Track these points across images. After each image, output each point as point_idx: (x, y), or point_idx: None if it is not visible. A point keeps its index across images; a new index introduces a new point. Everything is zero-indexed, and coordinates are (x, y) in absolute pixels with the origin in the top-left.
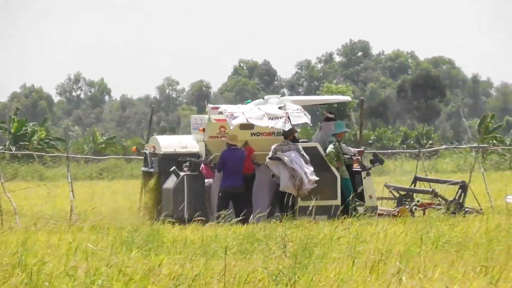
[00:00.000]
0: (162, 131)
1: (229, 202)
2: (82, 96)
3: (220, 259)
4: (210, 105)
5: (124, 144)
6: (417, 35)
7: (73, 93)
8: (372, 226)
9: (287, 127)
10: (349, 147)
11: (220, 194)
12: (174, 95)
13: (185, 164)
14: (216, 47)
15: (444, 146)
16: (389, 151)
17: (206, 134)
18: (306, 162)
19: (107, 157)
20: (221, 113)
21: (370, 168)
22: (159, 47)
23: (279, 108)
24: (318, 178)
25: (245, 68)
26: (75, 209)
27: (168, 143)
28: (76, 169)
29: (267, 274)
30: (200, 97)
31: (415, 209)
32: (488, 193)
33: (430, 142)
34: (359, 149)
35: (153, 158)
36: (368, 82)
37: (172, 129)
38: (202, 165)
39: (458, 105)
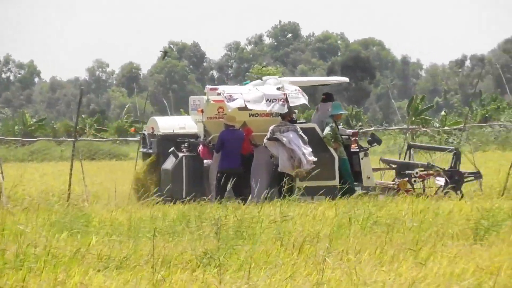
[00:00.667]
0: (92, 113)
1: (227, 182)
2: (11, 78)
3: (149, 240)
4: (209, 86)
5: (54, 126)
6: (347, 16)
7: (3, 75)
8: (301, 208)
9: (285, 109)
10: (345, 129)
11: (218, 174)
12: (104, 77)
13: (183, 145)
14: (145, 29)
15: (373, 128)
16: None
17: (204, 115)
18: (305, 143)
19: (37, 139)
20: (219, 94)
21: (367, 149)
22: (89, 29)
23: (278, 89)
24: (316, 159)
25: (174, 50)
26: (4, 191)
27: (166, 124)
28: (6, 151)
29: (195, 256)
30: (130, 79)
31: (415, 181)
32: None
33: (360, 123)
34: (354, 131)
35: (151, 139)
36: (298, 64)
37: (102, 112)
38: (200, 146)
39: (387, 86)
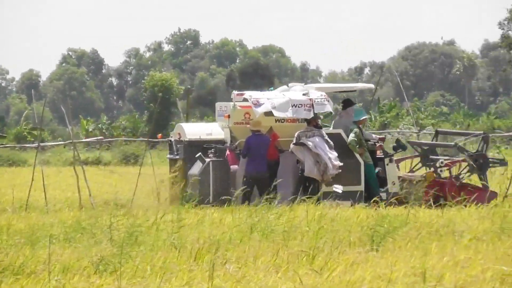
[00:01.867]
0: None
1: (253, 187)
2: None
3: (46, 247)
4: (235, 92)
5: None
6: (246, 24)
7: None
8: (199, 214)
9: (310, 115)
10: (371, 134)
11: (244, 179)
12: (3, 84)
13: (210, 151)
14: (45, 35)
15: (398, 134)
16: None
17: (231, 120)
18: (330, 148)
19: None
20: (246, 99)
21: (392, 155)
22: None
23: (303, 94)
24: (342, 164)
25: (73, 57)
26: None
27: (193, 130)
28: None
29: (91, 262)
30: (30, 86)
31: (441, 170)
32: None
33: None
34: (380, 136)
35: (178, 145)
36: (197, 71)
37: (1, 118)
38: (228, 151)
39: None
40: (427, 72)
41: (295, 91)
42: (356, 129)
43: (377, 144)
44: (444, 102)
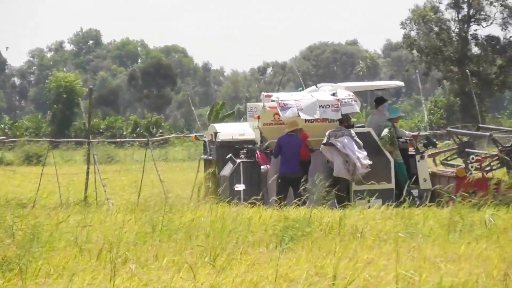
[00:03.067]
0: None
1: (288, 187)
2: None
3: None
4: (264, 93)
5: None
6: (147, 24)
7: None
8: (101, 214)
9: (338, 115)
10: (404, 131)
11: (279, 180)
12: None
13: (242, 151)
14: None
15: (173, 135)
16: (119, 140)
17: (260, 121)
18: (359, 147)
19: None
20: (273, 101)
21: (423, 152)
22: None
23: (332, 94)
24: (371, 162)
25: None
26: None
27: (226, 131)
28: None
29: None
30: None
31: (472, 166)
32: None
33: (161, 131)
34: (413, 133)
35: (211, 146)
36: (99, 71)
37: None
38: (258, 152)
39: (187, 93)
40: (329, 72)
41: (324, 92)
42: (390, 126)
43: (409, 142)
44: None
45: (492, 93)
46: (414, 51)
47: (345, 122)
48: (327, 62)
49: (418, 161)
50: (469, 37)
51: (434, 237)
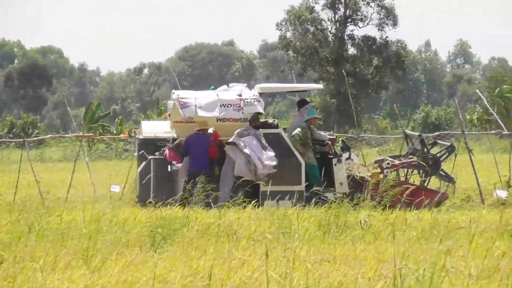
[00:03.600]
0: None
1: (194, 185)
2: None
3: None
4: (174, 90)
5: None
6: (24, 25)
7: None
8: None
9: (238, 115)
10: (323, 134)
11: (186, 178)
12: None
13: (162, 149)
14: None
15: (49, 135)
16: None
17: (171, 119)
18: (264, 148)
19: None
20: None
21: (341, 155)
22: None
23: (238, 95)
24: (275, 163)
25: None
26: None
27: (150, 128)
28: None
29: None
30: None
31: (387, 171)
32: (93, 182)
33: (37, 131)
34: (331, 137)
35: (137, 143)
36: None
37: None
38: (167, 149)
39: (63, 94)
40: (205, 72)
41: (228, 91)
42: (303, 126)
43: (327, 145)
44: None
45: (368, 94)
46: (290, 52)
47: (253, 122)
48: (203, 63)
49: (335, 164)
50: (346, 37)
51: (310, 238)
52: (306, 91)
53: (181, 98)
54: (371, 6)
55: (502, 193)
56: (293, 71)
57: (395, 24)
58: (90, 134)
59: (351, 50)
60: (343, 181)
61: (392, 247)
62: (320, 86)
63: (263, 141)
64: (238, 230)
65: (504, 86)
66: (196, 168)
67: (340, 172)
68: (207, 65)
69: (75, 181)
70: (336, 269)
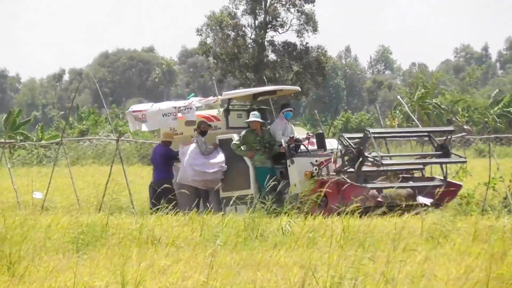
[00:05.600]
0: None
1: (158, 195)
2: None
3: None
4: (133, 105)
5: None
6: None
7: None
8: None
9: (174, 124)
10: (282, 136)
11: (150, 188)
12: None
13: None
14: None
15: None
16: None
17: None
18: (204, 154)
19: None
20: (137, 111)
21: (294, 156)
22: None
23: (174, 106)
24: (212, 170)
25: None
26: None
27: None
28: None
29: None
30: None
31: (316, 169)
32: (15, 188)
33: None
34: (289, 137)
35: None
36: None
37: None
38: None
39: None
40: (125, 78)
41: (171, 101)
42: (243, 132)
43: (281, 147)
44: None
45: (288, 100)
46: (210, 58)
47: (199, 128)
48: (123, 69)
49: (289, 166)
50: (266, 43)
51: (232, 244)
52: (273, 93)
53: (133, 112)
54: (291, 12)
55: (425, 200)
56: (213, 77)
57: (315, 30)
58: (12, 141)
59: (271, 56)
60: (296, 182)
61: (315, 253)
62: (297, 88)
63: (204, 147)
64: (161, 236)
65: (424, 91)
66: (154, 178)
67: (294, 173)
68: (127, 71)
69: None
70: (258, 275)
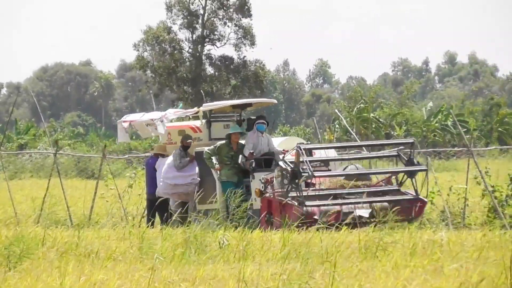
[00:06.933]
0: None
1: (150, 208)
2: None
3: None
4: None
5: None
6: None
7: None
8: None
9: (149, 135)
10: (249, 150)
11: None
12: None
13: None
14: None
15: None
16: None
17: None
18: (177, 168)
19: None
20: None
21: (254, 172)
22: None
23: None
24: (184, 183)
25: None
26: None
27: None
28: None
29: None
30: None
31: (263, 187)
32: None
33: None
34: (250, 152)
35: None
36: None
37: None
38: None
39: None
40: (63, 92)
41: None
42: (218, 144)
43: (246, 161)
44: (80, 122)
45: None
46: (148, 72)
47: (181, 142)
48: (61, 83)
49: (251, 181)
50: (203, 57)
51: (170, 258)
52: (249, 105)
53: (123, 121)
54: (228, 26)
55: (364, 212)
56: (151, 91)
57: (252, 43)
58: None
59: (209, 70)
60: (256, 197)
61: (251, 267)
62: (273, 101)
63: (178, 161)
64: (98, 250)
65: (361, 105)
66: (151, 190)
67: (253, 189)
68: (65, 85)
69: None
70: None
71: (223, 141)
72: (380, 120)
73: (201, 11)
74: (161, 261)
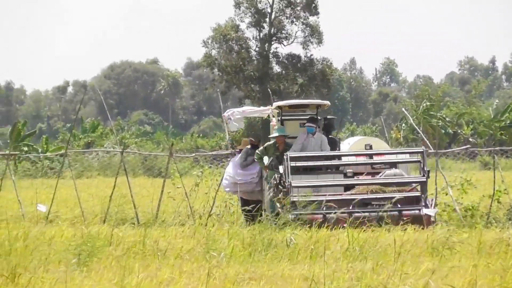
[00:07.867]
0: None
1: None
2: None
3: None
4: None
5: None
6: None
7: None
8: None
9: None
10: (295, 151)
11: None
12: None
13: None
14: None
15: None
16: None
17: None
18: (242, 166)
19: None
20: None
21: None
22: None
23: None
24: (244, 181)
25: None
26: None
27: None
28: None
29: None
30: None
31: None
32: (19, 200)
33: None
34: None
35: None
36: None
37: None
38: None
39: None
40: (130, 90)
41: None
42: (266, 144)
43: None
44: (147, 121)
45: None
46: (215, 70)
47: (251, 141)
48: (129, 81)
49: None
50: (270, 55)
51: (237, 257)
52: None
53: (229, 114)
54: (295, 24)
55: (431, 211)
56: (218, 90)
57: (320, 42)
58: (17, 153)
59: (276, 68)
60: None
61: (318, 266)
62: (327, 102)
63: (243, 158)
64: (164, 248)
65: (429, 104)
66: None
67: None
68: (132, 84)
69: (2, 200)
70: (263, 287)
71: (271, 142)
72: (447, 119)
73: (269, 10)
74: (227, 259)
